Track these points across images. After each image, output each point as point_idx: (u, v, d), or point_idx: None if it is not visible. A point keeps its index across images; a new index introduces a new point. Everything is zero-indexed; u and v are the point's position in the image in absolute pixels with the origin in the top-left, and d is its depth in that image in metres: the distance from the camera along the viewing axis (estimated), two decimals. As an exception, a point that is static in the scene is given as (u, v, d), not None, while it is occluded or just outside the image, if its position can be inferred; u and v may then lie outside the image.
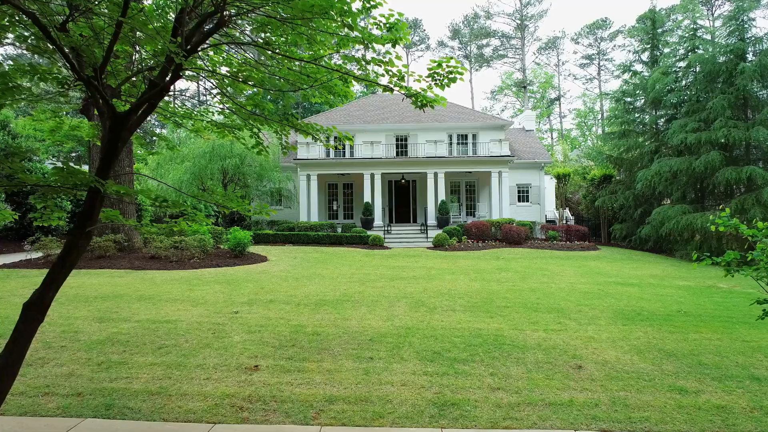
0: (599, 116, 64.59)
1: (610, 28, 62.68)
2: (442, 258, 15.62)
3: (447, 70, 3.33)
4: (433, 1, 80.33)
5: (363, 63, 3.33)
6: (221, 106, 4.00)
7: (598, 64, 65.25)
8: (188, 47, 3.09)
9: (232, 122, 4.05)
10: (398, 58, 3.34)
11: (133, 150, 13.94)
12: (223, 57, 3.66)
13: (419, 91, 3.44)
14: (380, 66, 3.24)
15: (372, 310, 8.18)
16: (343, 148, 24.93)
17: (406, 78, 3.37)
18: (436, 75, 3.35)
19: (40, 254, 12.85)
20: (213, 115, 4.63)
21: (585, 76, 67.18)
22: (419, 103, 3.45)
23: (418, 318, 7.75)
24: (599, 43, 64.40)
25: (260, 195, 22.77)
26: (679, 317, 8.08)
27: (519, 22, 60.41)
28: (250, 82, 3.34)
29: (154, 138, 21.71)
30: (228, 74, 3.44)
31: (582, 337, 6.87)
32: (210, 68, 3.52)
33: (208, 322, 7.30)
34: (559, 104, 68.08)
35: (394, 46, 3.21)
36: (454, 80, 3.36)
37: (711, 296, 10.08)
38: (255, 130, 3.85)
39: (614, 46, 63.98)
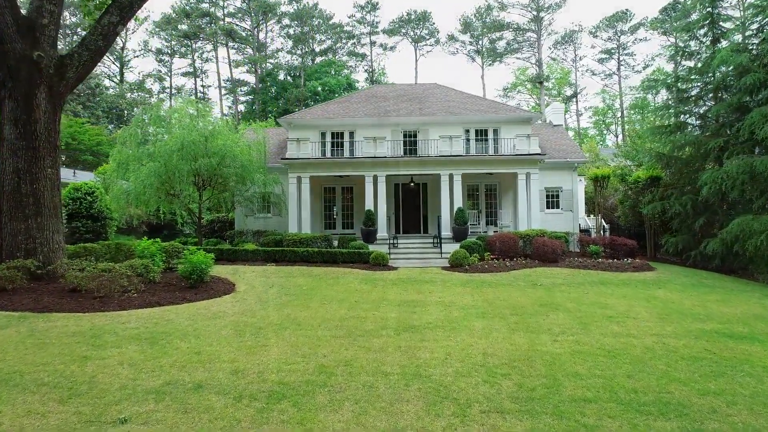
0: (619, 114, 60.72)
1: (631, 20, 58.97)
2: (464, 285, 12.14)
3: None
4: (442, -5, 76.88)
5: None
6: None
7: (618, 58, 61.45)
8: None
9: None
10: None
11: (57, 145, 10.54)
12: None
13: None
14: None
15: (362, 412, 4.76)
16: (342, 146, 21.50)
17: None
18: None
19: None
20: None
21: (604, 72, 63.60)
22: None
23: (444, 437, 4.33)
24: (619, 37, 60.71)
25: (243, 201, 19.35)
26: None
27: (535, 13, 56.85)
28: None
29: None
30: None
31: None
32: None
33: (53, 456, 3.95)
34: (576, 101, 64.37)
35: None
36: None
37: None
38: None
39: (635, 39, 60.29)
